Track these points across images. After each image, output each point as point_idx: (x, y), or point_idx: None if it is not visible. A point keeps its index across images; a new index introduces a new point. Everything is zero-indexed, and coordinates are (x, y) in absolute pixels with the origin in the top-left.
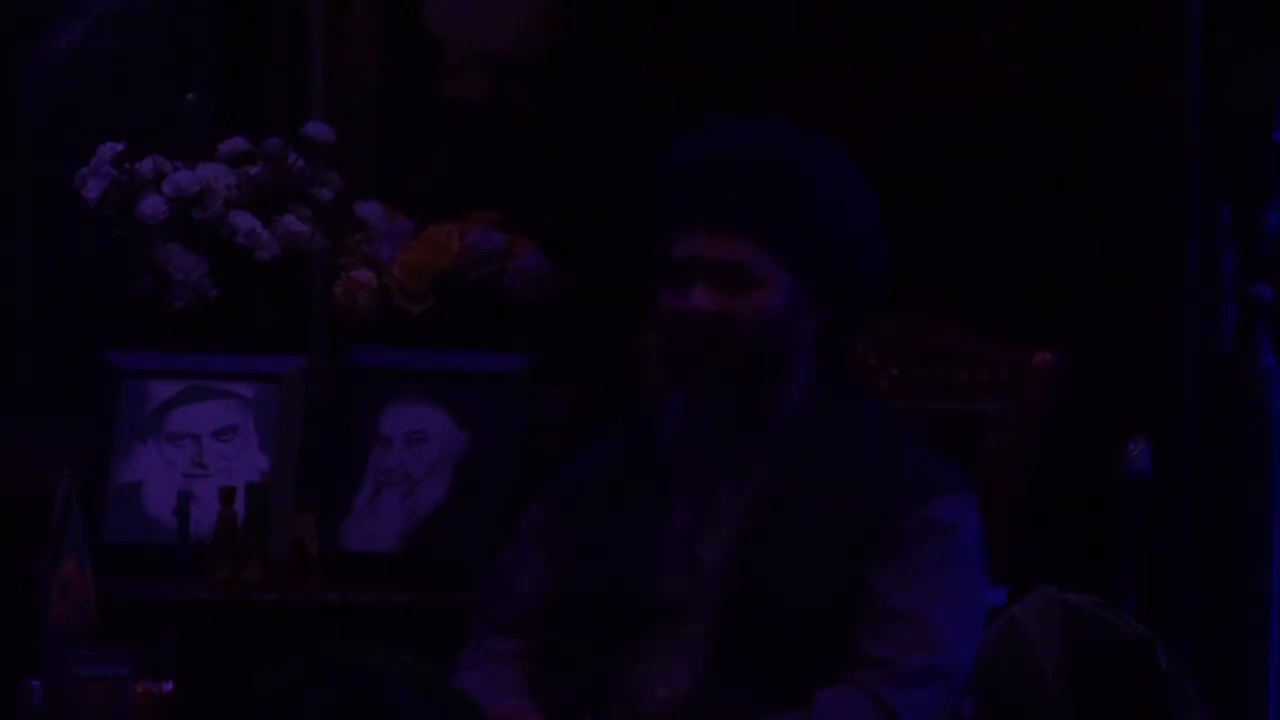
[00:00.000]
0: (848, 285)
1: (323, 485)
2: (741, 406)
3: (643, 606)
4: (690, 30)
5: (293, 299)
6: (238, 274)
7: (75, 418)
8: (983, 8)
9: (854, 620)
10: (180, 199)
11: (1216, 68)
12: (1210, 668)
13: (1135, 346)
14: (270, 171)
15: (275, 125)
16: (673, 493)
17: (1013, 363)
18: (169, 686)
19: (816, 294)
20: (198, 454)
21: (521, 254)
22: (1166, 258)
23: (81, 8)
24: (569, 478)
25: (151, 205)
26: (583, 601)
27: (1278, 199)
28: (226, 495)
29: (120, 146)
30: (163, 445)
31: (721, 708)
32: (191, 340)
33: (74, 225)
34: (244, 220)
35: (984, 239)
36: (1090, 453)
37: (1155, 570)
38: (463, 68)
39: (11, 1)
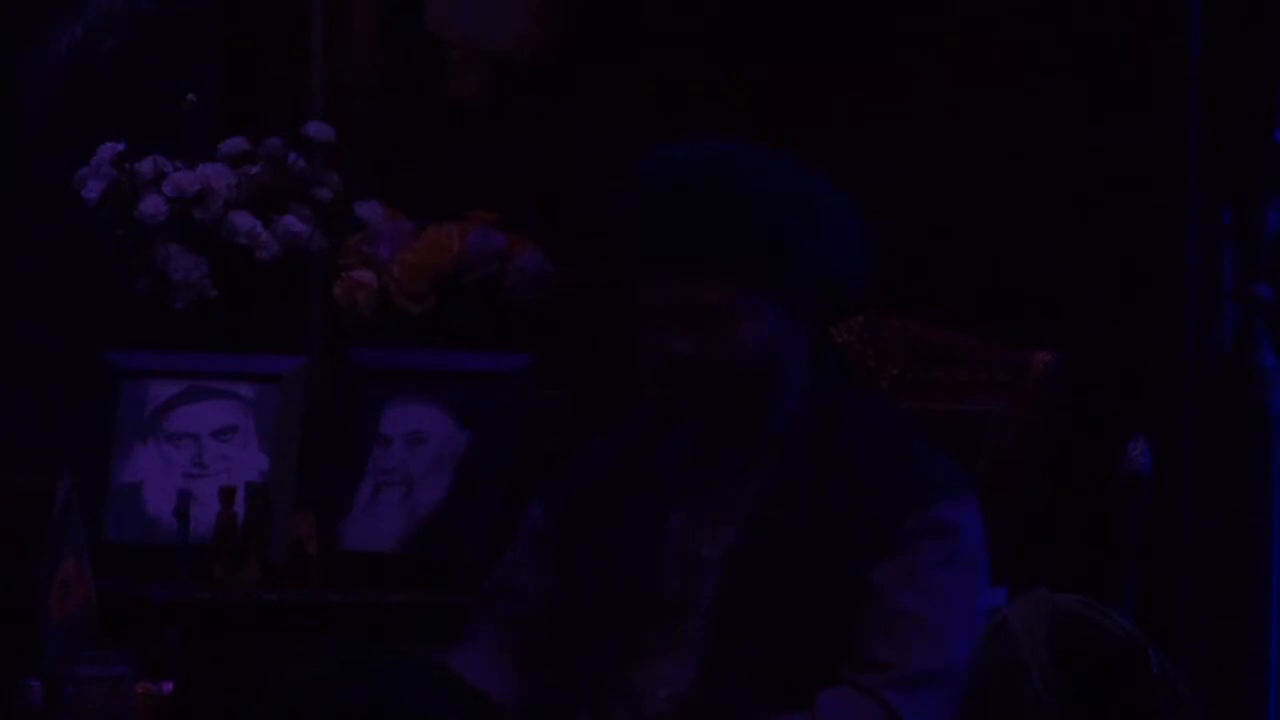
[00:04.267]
0: (831, 293)
1: (323, 485)
2: (738, 420)
3: (643, 604)
4: (690, 30)
5: (293, 299)
6: (238, 274)
7: (75, 418)
8: (982, 8)
9: (855, 620)
10: (180, 199)
11: (1216, 68)
12: (1210, 668)
13: (1135, 346)
14: (270, 171)
15: (275, 125)
16: (674, 491)
17: (1013, 363)
18: (169, 686)
19: (800, 308)
20: (198, 454)
21: (521, 254)
22: (1166, 258)
23: (81, 8)
24: (570, 476)
25: (151, 205)
26: (583, 599)
27: (1278, 199)
28: (226, 495)
29: (120, 146)
30: (163, 445)
31: (721, 708)
32: (191, 340)
33: (74, 225)
34: (244, 220)
35: (984, 239)
36: (1090, 453)
37: (1155, 570)
38: (463, 68)
39: (11, 1)
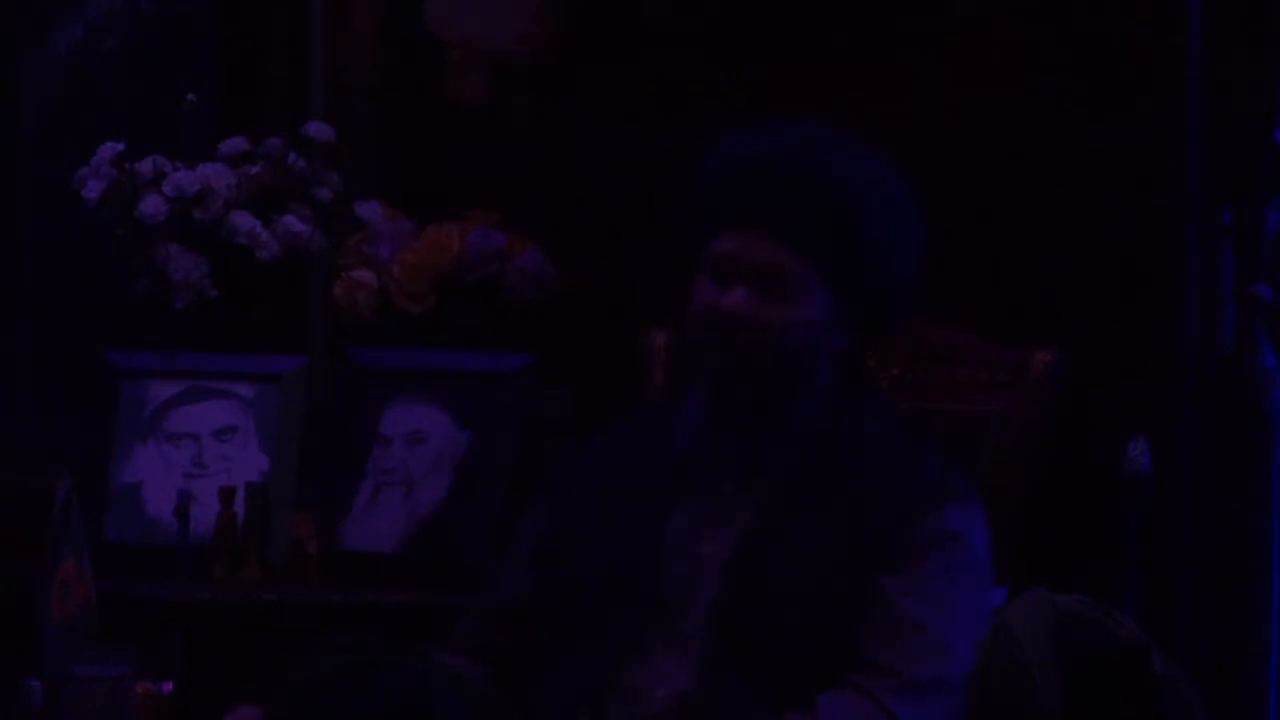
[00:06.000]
0: (885, 308)
1: (323, 485)
2: (755, 409)
3: (643, 604)
4: (690, 30)
5: (293, 299)
6: (238, 274)
7: (75, 418)
8: (982, 8)
9: (856, 624)
10: (180, 199)
11: (1216, 68)
12: (1210, 668)
13: (1135, 346)
14: (270, 171)
15: (275, 125)
16: (681, 489)
17: (1013, 363)
18: (169, 686)
19: (852, 312)
20: (198, 454)
21: (521, 254)
22: (1166, 258)
23: (81, 8)
24: (571, 474)
25: (151, 205)
26: (583, 598)
27: (1278, 199)
28: (226, 495)
29: (120, 146)
30: (163, 445)
31: (720, 708)
32: (191, 340)
33: (74, 225)
34: (244, 220)
35: (984, 239)
36: (1090, 453)
37: (1155, 570)
38: (463, 68)
39: (11, 1)
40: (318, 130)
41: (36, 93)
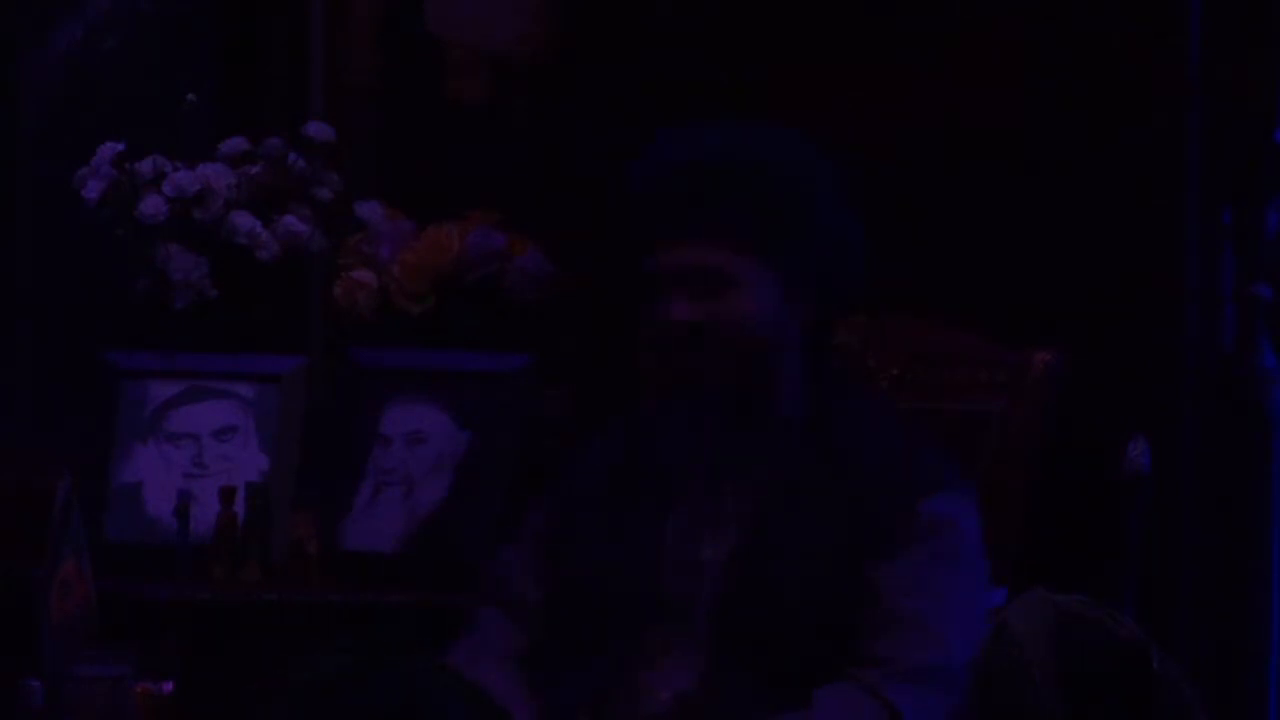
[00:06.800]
0: (830, 277)
1: (323, 485)
2: (735, 408)
3: (643, 607)
4: (690, 30)
5: (293, 299)
6: (238, 274)
7: (75, 418)
8: (982, 8)
9: (855, 619)
10: (180, 199)
11: (1216, 68)
12: (1210, 668)
13: (1135, 346)
14: (270, 171)
15: (275, 125)
16: (674, 492)
17: (1013, 363)
18: (169, 686)
19: (800, 289)
20: (198, 454)
21: (521, 254)
22: (1166, 258)
23: (81, 8)
24: (571, 477)
25: (151, 205)
26: (584, 602)
27: (1278, 199)
28: (226, 495)
29: (120, 146)
30: (163, 445)
31: (723, 707)
32: (191, 340)
33: (74, 225)
34: (244, 220)
35: (984, 239)
36: (1090, 453)
37: (1155, 570)
38: (463, 68)
39: (11, 1)
40: (318, 130)
41: (36, 93)
